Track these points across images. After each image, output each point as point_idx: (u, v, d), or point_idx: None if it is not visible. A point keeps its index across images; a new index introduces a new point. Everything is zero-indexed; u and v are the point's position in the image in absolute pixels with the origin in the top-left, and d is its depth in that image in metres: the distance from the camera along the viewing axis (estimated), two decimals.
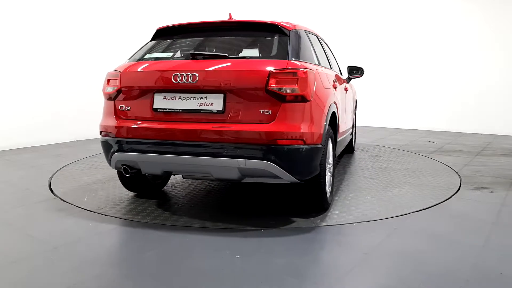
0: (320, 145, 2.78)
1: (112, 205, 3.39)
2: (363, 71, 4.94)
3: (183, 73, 2.76)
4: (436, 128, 9.06)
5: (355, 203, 3.43)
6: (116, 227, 2.91)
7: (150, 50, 3.31)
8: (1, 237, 2.75)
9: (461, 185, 4.01)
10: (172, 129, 2.80)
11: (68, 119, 7.25)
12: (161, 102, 2.87)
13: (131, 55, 3.35)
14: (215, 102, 2.73)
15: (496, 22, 8.51)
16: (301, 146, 2.65)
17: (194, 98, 2.78)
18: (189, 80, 2.75)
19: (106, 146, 3.07)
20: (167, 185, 4.04)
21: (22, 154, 5.87)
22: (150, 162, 2.88)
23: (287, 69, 2.70)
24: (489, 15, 8.59)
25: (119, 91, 3.02)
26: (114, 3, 8.17)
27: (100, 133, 3.14)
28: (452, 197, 3.61)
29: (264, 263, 2.29)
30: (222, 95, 2.73)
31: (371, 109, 9.54)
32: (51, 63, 6.98)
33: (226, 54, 2.96)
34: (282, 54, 2.90)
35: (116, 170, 3.31)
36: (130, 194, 3.74)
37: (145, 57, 3.22)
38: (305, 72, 2.72)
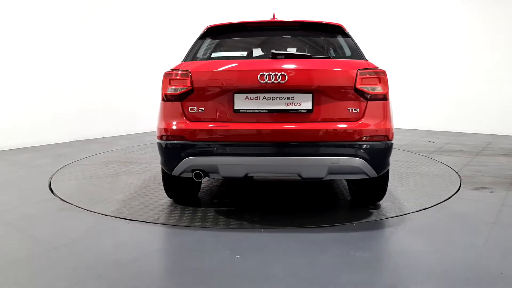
0: (393, 141, 2.88)
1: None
2: None
3: (271, 73, 2.68)
4: (436, 128, 9.06)
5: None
6: (116, 227, 2.92)
7: (211, 49, 3.19)
8: (1, 237, 2.75)
9: (461, 185, 4.01)
10: (258, 130, 2.71)
11: (68, 119, 7.25)
12: (243, 102, 2.74)
13: (187, 54, 3.16)
14: (303, 102, 2.72)
15: (496, 22, 8.51)
16: (386, 142, 2.77)
17: (281, 98, 2.72)
18: (278, 80, 2.68)
19: (174, 150, 2.83)
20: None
21: (22, 154, 5.87)
22: (233, 165, 2.74)
23: (371, 68, 2.80)
24: (489, 15, 8.59)
25: (189, 92, 2.81)
26: (114, 3, 8.17)
27: (161, 137, 2.88)
28: (452, 197, 3.61)
29: (264, 263, 2.29)
30: (310, 95, 2.73)
31: None
32: (51, 63, 6.98)
33: (309, 54, 2.96)
34: (357, 54, 3.01)
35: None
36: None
37: (211, 56, 3.10)
38: (384, 72, 2.84)
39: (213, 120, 2.79)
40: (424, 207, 3.31)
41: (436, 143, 7.06)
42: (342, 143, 2.69)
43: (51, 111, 6.99)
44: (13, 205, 3.44)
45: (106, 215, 3.14)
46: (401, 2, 9.72)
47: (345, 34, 3.19)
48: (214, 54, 3.14)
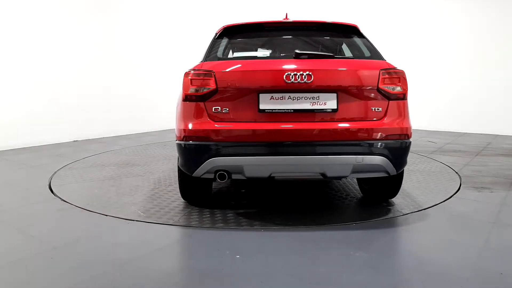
0: (411, 140, 2.93)
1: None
2: None
3: (297, 73, 2.70)
4: (436, 128, 9.06)
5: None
6: (117, 227, 2.92)
7: (230, 49, 3.18)
8: (1, 237, 2.75)
9: (461, 185, 4.01)
10: (284, 130, 2.71)
11: (68, 119, 7.25)
12: (268, 102, 2.74)
13: (206, 54, 3.13)
14: (328, 101, 2.75)
15: (496, 22, 8.51)
16: (406, 141, 2.85)
17: (306, 98, 2.74)
18: (304, 80, 2.70)
19: (197, 151, 2.79)
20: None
21: (22, 154, 5.87)
22: (259, 165, 2.74)
23: (392, 69, 2.87)
24: (489, 15, 8.59)
25: (213, 92, 2.77)
26: (114, 4, 8.17)
27: (183, 138, 2.83)
28: (452, 197, 3.61)
29: (263, 263, 2.29)
30: (335, 94, 2.76)
31: None
32: (51, 63, 6.98)
33: (332, 54, 2.99)
34: (376, 54, 3.06)
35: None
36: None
37: (232, 56, 3.08)
38: (403, 72, 2.90)
39: (237, 120, 2.76)
40: (423, 207, 3.31)
41: (436, 143, 7.06)
42: (367, 142, 2.74)
43: (51, 111, 6.99)
44: (13, 205, 3.44)
45: (106, 215, 3.14)
46: (401, 2, 9.72)
47: (361, 35, 3.25)
48: (235, 54, 3.14)
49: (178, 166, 3.16)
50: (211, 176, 2.82)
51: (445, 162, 5.18)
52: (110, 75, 8.00)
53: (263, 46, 3.33)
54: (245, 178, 2.82)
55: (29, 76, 6.65)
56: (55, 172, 4.64)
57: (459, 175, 4.44)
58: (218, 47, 3.16)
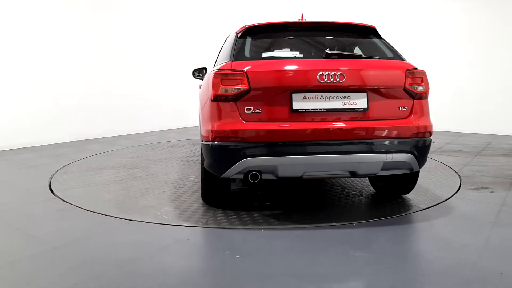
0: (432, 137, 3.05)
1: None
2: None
3: (330, 73, 2.75)
4: (436, 128, 9.04)
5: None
6: (116, 227, 2.92)
7: (255, 49, 3.18)
8: (1, 237, 2.75)
9: (461, 185, 4.01)
10: (317, 129, 2.74)
11: (68, 119, 7.25)
12: (301, 102, 2.77)
13: (231, 53, 3.09)
14: (359, 101, 2.81)
15: (496, 22, 8.51)
16: (429, 138, 2.98)
17: (338, 98, 2.79)
18: (337, 80, 2.75)
19: (229, 152, 2.75)
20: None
21: (22, 154, 5.88)
22: (293, 165, 2.75)
23: (416, 69, 2.98)
24: (489, 15, 8.59)
25: (245, 92, 2.76)
26: (114, 4, 8.17)
27: (213, 139, 2.79)
28: (452, 197, 3.61)
29: (263, 263, 2.29)
30: (365, 94, 2.83)
31: None
32: (51, 63, 6.98)
33: (360, 54, 3.09)
34: (396, 55, 3.15)
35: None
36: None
37: (262, 56, 3.10)
38: (425, 72, 3.01)
39: (270, 120, 2.76)
40: (423, 207, 3.30)
41: (436, 143, 7.06)
42: (396, 140, 2.84)
43: (51, 111, 6.99)
44: (13, 205, 3.44)
45: (106, 215, 3.14)
46: (400, 2, 9.72)
47: (378, 35, 3.34)
48: (261, 54, 3.15)
49: (203, 168, 3.12)
50: (241, 176, 2.82)
51: (445, 162, 5.18)
52: (110, 75, 8.00)
53: (288, 46, 3.36)
54: (275, 178, 2.85)
55: (29, 76, 6.65)
56: (55, 172, 4.64)
57: (459, 175, 4.44)
58: (243, 47, 3.13)
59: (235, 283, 2.08)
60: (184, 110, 9.37)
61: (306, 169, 2.79)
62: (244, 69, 2.80)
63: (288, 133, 2.73)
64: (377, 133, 2.80)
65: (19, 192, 3.86)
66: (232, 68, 2.84)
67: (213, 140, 2.80)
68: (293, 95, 2.76)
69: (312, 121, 2.78)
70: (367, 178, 4.15)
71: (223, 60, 3.24)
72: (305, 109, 2.76)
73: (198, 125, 5.94)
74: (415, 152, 2.88)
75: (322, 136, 2.74)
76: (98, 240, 2.68)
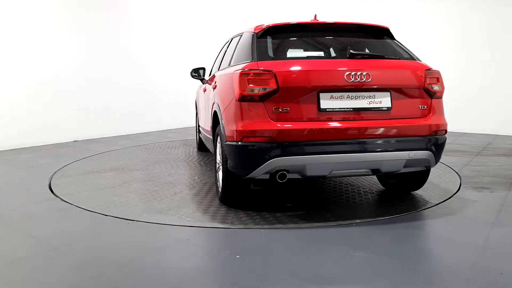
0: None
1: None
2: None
3: (357, 72, 2.80)
4: None
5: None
6: (116, 227, 2.92)
7: (278, 48, 3.18)
8: (1, 237, 2.75)
9: (461, 185, 4.01)
10: (344, 128, 2.79)
11: (68, 119, 7.25)
12: (328, 101, 2.80)
13: (253, 53, 3.06)
14: (383, 100, 2.89)
15: (497, 22, 8.51)
16: (445, 136, 3.13)
17: (363, 97, 2.86)
18: (363, 79, 2.80)
19: (257, 152, 2.75)
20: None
21: (22, 154, 5.88)
22: (321, 163, 2.79)
23: (432, 69, 3.11)
24: (489, 15, 8.59)
25: (274, 92, 2.76)
26: (113, 5, 8.17)
27: (241, 139, 2.78)
28: (452, 197, 3.61)
29: (263, 263, 2.29)
30: (388, 93, 2.91)
31: None
32: (51, 63, 6.98)
33: (382, 54, 3.15)
34: (411, 56, 3.24)
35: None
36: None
37: (286, 56, 3.11)
38: (440, 73, 3.14)
39: (298, 120, 2.78)
40: (423, 207, 3.30)
41: None
42: (417, 138, 2.93)
43: (51, 111, 6.99)
44: (13, 205, 3.44)
45: (106, 215, 3.14)
46: (400, 2, 9.72)
47: (392, 36, 3.45)
48: (289, 54, 3.16)
49: (226, 168, 3.09)
50: (267, 176, 2.84)
51: (445, 162, 5.18)
52: (110, 75, 7.99)
53: (309, 46, 3.39)
54: (300, 177, 2.87)
55: (29, 76, 6.65)
56: (55, 172, 4.64)
57: (459, 175, 4.43)
58: (265, 47, 3.12)
59: (235, 283, 2.08)
60: (184, 110, 9.37)
61: (333, 167, 2.83)
62: (272, 69, 2.80)
63: (317, 132, 2.75)
64: (401, 131, 2.88)
65: (19, 192, 3.87)
66: (260, 68, 2.84)
67: (240, 140, 2.80)
68: (321, 94, 2.79)
69: (340, 120, 2.81)
70: (374, 176, 4.17)
71: (242, 60, 3.22)
72: (333, 108, 2.81)
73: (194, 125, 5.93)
74: (434, 149, 2.98)
75: (349, 135, 2.79)
76: (98, 240, 2.68)
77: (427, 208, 3.29)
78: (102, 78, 7.85)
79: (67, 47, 7.21)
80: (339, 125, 2.79)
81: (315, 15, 3.80)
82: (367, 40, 3.40)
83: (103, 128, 7.83)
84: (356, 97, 2.84)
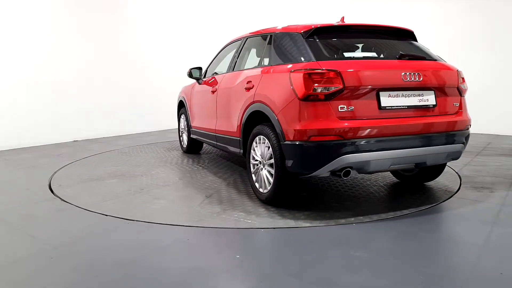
0: None
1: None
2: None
3: (411, 73, 3.03)
4: None
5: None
6: (116, 227, 2.92)
7: (329, 48, 3.20)
8: (1, 237, 2.75)
9: (461, 185, 4.01)
10: (402, 125, 2.98)
11: (68, 119, 7.26)
12: (387, 100, 2.98)
13: (306, 53, 3.07)
14: (429, 98, 3.15)
15: (496, 22, 8.51)
16: (469, 131, 3.42)
17: (414, 95, 3.09)
18: (416, 79, 3.05)
19: (325, 150, 2.82)
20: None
21: (22, 154, 5.88)
22: (384, 159, 2.94)
23: (458, 69, 3.41)
24: (489, 15, 8.59)
25: (340, 91, 2.82)
26: (113, 5, 8.17)
27: (308, 138, 2.81)
28: (452, 197, 3.60)
29: (263, 263, 2.29)
30: (433, 92, 3.17)
31: None
32: (51, 63, 6.98)
33: (425, 56, 3.37)
34: (438, 57, 3.49)
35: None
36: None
37: (343, 56, 3.17)
38: (462, 73, 3.46)
39: (362, 117, 2.90)
40: (423, 207, 3.30)
41: None
42: (456, 132, 3.24)
43: (51, 111, 6.99)
44: (13, 205, 3.44)
45: (106, 215, 3.14)
46: (400, 2, 9.72)
47: (416, 39, 3.69)
48: (346, 54, 3.22)
49: (279, 169, 3.09)
50: (328, 174, 2.99)
51: None
52: (110, 75, 8.00)
53: (355, 48, 3.48)
54: (358, 174, 3.06)
55: (29, 76, 6.65)
56: (55, 172, 4.65)
57: (459, 175, 4.43)
58: (318, 47, 3.13)
59: (235, 283, 2.08)
60: None
61: (392, 162, 3.01)
62: (337, 69, 2.87)
63: (379, 130, 2.90)
64: (444, 126, 3.17)
65: (19, 192, 3.87)
66: (324, 68, 2.87)
67: (306, 140, 2.84)
68: (381, 93, 2.96)
69: (397, 117, 3.00)
70: (373, 175, 4.29)
71: (288, 60, 3.21)
72: (391, 106, 2.99)
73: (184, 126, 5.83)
74: (464, 142, 3.33)
75: (406, 130, 3.00)
76: (98, 240, 2.68)
77: (427, 208, 3.28)
78: (102, 78, 7.85)
79: (67, 47, 7.22)
80: (398, 122, 2.97)
81: (342, 18, 3.84)
82: (399, 42, 3.55)
83: (103, 128, 7.83)
84: (409, 95, 3.06)
